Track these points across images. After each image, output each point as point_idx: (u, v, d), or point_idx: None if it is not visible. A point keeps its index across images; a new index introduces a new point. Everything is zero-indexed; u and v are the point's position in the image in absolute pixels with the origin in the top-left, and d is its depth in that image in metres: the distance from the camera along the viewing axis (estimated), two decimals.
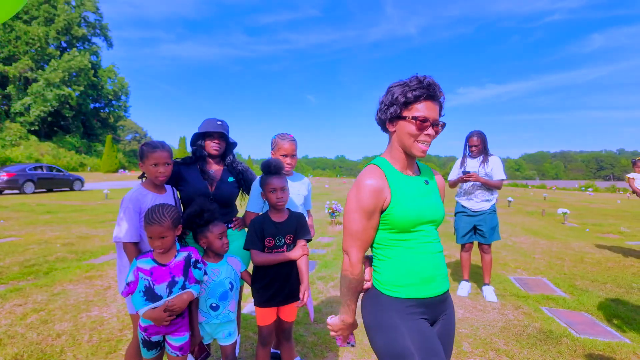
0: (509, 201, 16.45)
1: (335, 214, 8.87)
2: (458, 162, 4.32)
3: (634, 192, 6.41)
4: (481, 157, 4.13)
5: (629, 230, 9.38)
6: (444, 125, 1.42)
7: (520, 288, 4.47)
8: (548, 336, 3.13)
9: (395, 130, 1.44)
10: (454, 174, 4.25)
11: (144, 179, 2.22)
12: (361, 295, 1.53)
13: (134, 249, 2.03)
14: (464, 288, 4.24)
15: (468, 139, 4.22)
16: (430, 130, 1.37)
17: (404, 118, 1.38)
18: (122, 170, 43.17)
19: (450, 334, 1.48)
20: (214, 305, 2.05)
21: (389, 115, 1.41)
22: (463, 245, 4.28)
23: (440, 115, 1.42)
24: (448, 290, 1.48)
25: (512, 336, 3.14)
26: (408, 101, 1.36)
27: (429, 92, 1.35)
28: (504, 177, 4.03)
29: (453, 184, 4.19)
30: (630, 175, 6.81)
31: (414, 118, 1.36)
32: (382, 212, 1.40)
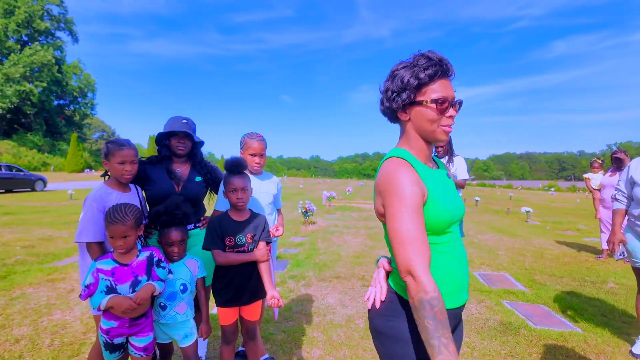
0: (477, 200, 17.02)
1: (309, 213, 8.91)
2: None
3: (590, 191, 6.81)
4: (446, 158, 4.28)
5: (586, 227, 9.92)
6: (461, 102, 1.22)
7: (483, 283, 4.65)
8: (507, 328, 3.29)
9: (410, 119, 1.23)
10: None
11: (106, 178, 2.18)
12: (373, 300, 1.29)
13: (99, 249, 1.99)
14: None
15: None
16: (451, 111, 1.19)
17: (420, 103, 1.18)
18: (88, 170, 41.47)
19: (459, 346, 1.33)
20: (162, 304, 2.03)
21: (401, 102, 1.20)
22: None
23: (454, 90, 1.22)
24: None
25: (473, 329, 3.28)
26: (422, 82, 1.16)
27: (442, 68, 1.17)
28: (467, 177, 4.18)
29: None
30: (587, 175, 7.22)
31: (434, 101, 1.16)
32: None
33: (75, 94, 54.64)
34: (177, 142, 2.34)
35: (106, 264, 1.87)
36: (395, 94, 1.20)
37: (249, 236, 2.14)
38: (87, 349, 2.73)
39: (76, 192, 16.26)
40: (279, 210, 2.69)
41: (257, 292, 2.18)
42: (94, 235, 1.96)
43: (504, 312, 3.66)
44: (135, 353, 1.94)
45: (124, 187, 2.16)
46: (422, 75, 1.15)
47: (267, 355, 2.60)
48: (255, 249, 2.15)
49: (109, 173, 2.17)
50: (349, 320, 3.40)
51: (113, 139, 2.16)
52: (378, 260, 1.39)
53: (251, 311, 2.21)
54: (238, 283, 2.12)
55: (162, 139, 2.37)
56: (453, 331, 1.27)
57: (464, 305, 1.26)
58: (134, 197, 2.19)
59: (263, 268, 2.14)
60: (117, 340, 1.90)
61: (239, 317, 2.22)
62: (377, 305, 1.26)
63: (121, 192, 2.12)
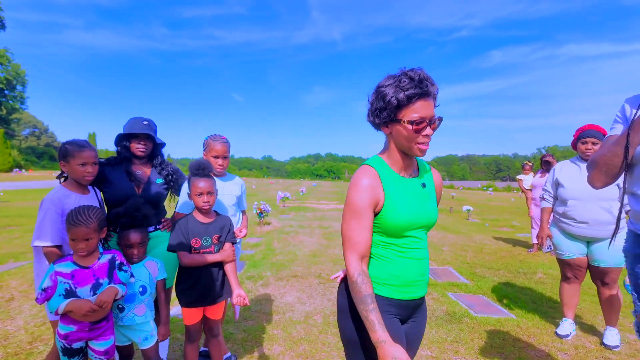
0: None
1: (263, 214, 8.91)
2: None
3: (523, 191, 7.50)
4: None
5: (519, 224, 10.87)
6: (440, 119, 1.31)
7: (430, 277, 4.99)
8: (452, 317, 3.58)
9: (391, 133, 1.35)
10: None
11: (61, 180, 2.12)
12: (340, 278, 1.54)
13: (57, 253, 1.94)
14: None
15: None
16: (427, 131, 1.29)
17: (399, 122, 1.29)
18: (17, 169, 37.91)
19: (418, 337, 1.50)
20: (120, 306, 2.02)
21: (383, 120, 1.32)
22: None
23: (435, 107, 1.32)
24: (424, 296, 1.49)
25: None
26: (401, 103, 1.26)
27: (422, 89, 1.25)
28: None
29: None
30: (520, 177, 7.94)
31: (410, 122, 1.27)
32: (375, 214, 1.34)
33: (1, 85, 49.66)
34: (138, 144, 2.31)
35: (65, 267, 1.83)
36: (378, 110, 1.32)
37: (215, 237, 2.18)
38: (35, 358, 2.60)
39: (5, 194, 14.84)
40: (243, 212, 2.73)
41: (221, 292, 2.22)
42: (52, 238, 1.90)
43: (449, 303, 3.97)
44: (95, 357, 1.91)
45: (83, 189, 2.11)
46: (401, 97, 1.25)
47: (229, 354, 2.64)
48: (221, 250, 2.20)
49: (65, 175, 2.11)
50: (307, 317, 3.52)
51: (70, 140, 2.10)
52: None
53: (215, 311, 2.25)
54: (203, 284, 2.15)
55: (122, 140, 2.32)
56: (405, 320, 1.45)
57: (414, 300, 1.42)
58: (92, 199, 2.15)
59: (229, 268, 2.19)
60: (76, 345, 1.86)
61: (203, 316, 2.24)
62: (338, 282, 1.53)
63: (80, 194, 2.07)
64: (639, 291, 1.59)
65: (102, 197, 2.28)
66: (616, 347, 3.00)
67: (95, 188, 2.23)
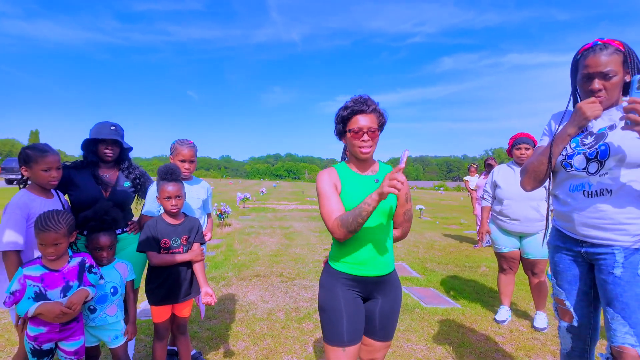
0: None
1: (224, 215, 8.88)
2: None
3: (469, 191, 8.10)
4: None
5: (467, 221, 11.65)
6: (377, 129, 1.69)
7: None
8: (405, 308, 3.88)
9: (345, 142, 1.79)
10: None
11: (21, 185, 2.12)
12: (325, 262, 1.89)
13: (17, 258, 1.95)
14: None
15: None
16: (365, 137, 1.66)
17: (346, 132, 1.71)
18: None
19: (390, 314, 1.77)
20: (91, 307, 2.07)
21: (338, 131, 1.77)
22: None
23: (379, 120, 1.70)
24: (387, 275, 1.74)
25: None
26: (346, 118, 1.69)
27: (356, 107, 1.66)
28: None
29: None
30: (466, 178, 8.56)
31: (349, 130, 1.69)
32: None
33: None
34: (105, 149, 2.34)
35: (34, 270, 1.86)
36: (335, 125, 1.79)
37: (184, 238, 2.27)
38: None
39: None
40: (208, 215, 2.83)
41: (190, 290, 2.32)
42: (14, 243, 1.92)
43: (402, 296, 4.28)
44: (65, 358, 1.95)
45: (47, 193, 2.13)
46: (344, 114, 1.71)
47: (194, 351, 2.74)
48: (190, 250, 2.30)
49: (25, 180, 2.12)
50: (270, 314, 3.67)
51: (31, 144, 2.11)
52: None
53: (183, 308, 2.35)
54: (172, 282, 2.24)
55: (89, 145, 2.35)
56: (367, 297, 1.76)
57: (369, 277, 1.71)
58: (56, 202, 2.17)
59: (197, 267, 2.29)
60: (46, 346, 1.90)
61: (171, 314, 2.33)
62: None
63: (45, 198, 2.09)
64: (557, 277, 1.93)
65: (68, 200, 2.30)
66: (544, 329, 3.43)
67: (58, 191, 2.24)
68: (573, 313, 1.86)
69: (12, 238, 1.92)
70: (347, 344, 1.67)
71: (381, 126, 1.74)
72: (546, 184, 1.91)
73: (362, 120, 1.66)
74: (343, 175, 1.75)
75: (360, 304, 1.75)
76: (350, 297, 1.72)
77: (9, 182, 21.76)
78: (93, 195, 2.28)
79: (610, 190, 1.64)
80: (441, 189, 44.51)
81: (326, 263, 1.85)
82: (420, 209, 12.71)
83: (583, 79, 1.68)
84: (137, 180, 2.51)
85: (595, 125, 1.72)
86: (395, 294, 1.79)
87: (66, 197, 2.31)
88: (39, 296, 1.84)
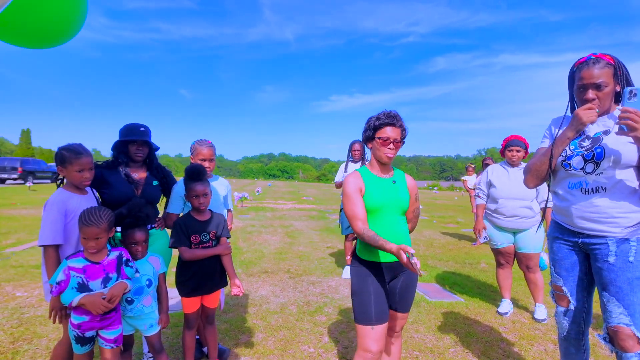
0: None
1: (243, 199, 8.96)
2: (343, 166, 5.09)
3: (467, 190, 8.30)
4: (361, 162, 4.97)
5: (463, 220, 11.87)
6: (401, 141, 2.03)
7: None
8: None
9: (371, 147, 2.07)
10: (340, 176, 5.03)
11: (58, 183, 2.24)
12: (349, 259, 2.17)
13: (56, 253, 2.07)
14: (347, 270, 5.01)
15: (351, 145, 5.03)
16: (391, 146, 1.99)
17: (374, 139, 2.02)
18: None
19: (408, 286, 2.09)
20: (129, 299, 2.19)
21: (366, 137, 2.07)
22: (346, 236, 5.06)
23: (402, 134, 2.02)
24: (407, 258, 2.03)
25: None
26: (377, 127, 2.00)
27: (388, 120, 1.98)
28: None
29: (339, 185, 4.92)
30: (464, 177, 8.77)
31: (379, 138, 1.99)
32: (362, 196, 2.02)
33: None
34: (136, 149, 2.46)
35: (77, 262, 1.98)
36: (365, 131, 2.09)
37: (212, 233, 2.41)
38: (20, 357, 2.64)
39: None
40: (228, 211, 2.96)
41: (218, 282, 2.46)
42: (53, 238, 2.04)
43: None
44: (105, 345, 2.07)
45: (82, 190, 2.24)
46: (376, 123, 2.01)
47: (224, 347, 2.85)
48: (218, 245, 2.43)
49: (61, 178, 2.23)
50: (283, 307, 3.80)
51: (66, 145, 2.19)
52: None
53: (212, 299, 2.48)
54: (202, 275, 2.37)
55: (120, 146, 2.46)
56: (395, 277, 2.07)
57: (390, 262, 2.00)
58: (91, 198, 2.29)
59: (226, 260, 2.43)
60: (89, 334, 2.01)
61: (201, 305, 2.46)
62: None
63: (81, 195, 2.21)
64: (555, 265, 2.12)
65: (100, 198, 2.41)
66: (544, 320, 3.62)
67: (92, 189, 2.36)
68: (570, 298, 2.05)
69: (51, 233, 2.04)
70: (375, 322, 1.96)
71: (403, 139, 2.06)
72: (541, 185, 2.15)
73: (391, 132, 1.98)
74: (366, 179, 2.06)
75: (384, 286, 2.05)
76: (377, 281, 2.02)
77: (1, 181, 21.52)
78: (126, 193, 2.40)
79: (605, 188, 1.83)
80: (435, 188, 44.95)
81: (352, 257, 2.15)
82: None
83: (579, 89, 1.88)
84: (164, 179, 2.63)
85: (591, 130, 1.92)
86: (410, 275, 2.09)
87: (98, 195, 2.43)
88: (82, 286, 1.96)
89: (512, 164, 3.72)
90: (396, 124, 1.99)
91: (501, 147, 3.87)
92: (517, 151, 3.68)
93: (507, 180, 3.68)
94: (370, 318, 1.96)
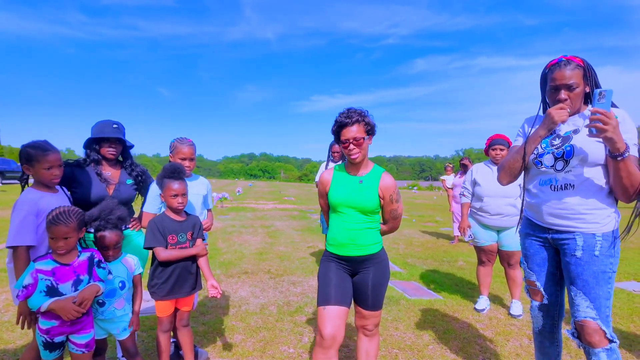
0: None
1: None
2: (323, 166, 5.09)
3: (445, 190, 8.43)
4: (340, 161, 4.98)
5: (442, 219, 12.07)
6: (363, 138, 2.01)
7: None
8: (390, 300, 4.07)
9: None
10: (320, 176, 5.04)
11: (22, 183, 2.14)
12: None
13: (26, 254, 1.98)
14: None
15: (331, 146, 5.02)
16: (351, 146, 2.01)
17: (339, 142, 2.07)
18: None
19: (380, 284, 2.13)
20: (100, 301, 2.11)
21: (336, 142, 2.12)
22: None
23: (365, 128, 2.02)
24: (367, 255, 2.09)
25: None
26: (336, 132, 2.06)
27: (342, 122, 2.00)
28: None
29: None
30: (443, 177, 8.90)
31: (339, 141, 2.07)
32: (326, 193, 2.17)
33: None
34: (109, 147, 2.38)
35: (46, 265, 1.89)
36: (333, 137, 2.14)
37: (189, 234, 2.35)
38: None
39: None
40: (209, 211, 2.89)
41: (194, 284, 2.40)
42: (23, 239, 1.95)
43: (387, 289, 4.47)
44: (76, 350, 1.99)
45: (52, 188, 2.16)
46: (334, 128, 2.08)
47: (201, 350, 2.78)
48: (194, 245, 2.37)
49: (26, 177, 2.14)
50: (262, 308, 3.76)
51: (31, 142, 2.08)
52: None
53: (187, 302, 2.42)
54: (179, 277, 2.31)
55: (92, 144, 2.38)
56: (356, 272, 2.15)
57: (354, 257, 2.09)
58: (62, 197, 2.21)
59: (202, 262, 2.38)
60: (58, 339, 1.93)
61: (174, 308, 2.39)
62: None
63: (52, 194, 2.12)
64: (528, 260, 2.17)
65: (70, 196, 2.32)
66: (519, 315, 3.71)
67: (62, 187, 2.27)
68: (543, 292, 2.10)
69: (21, 234, 1.94)
70: (332, 303, 2.02)
71: (369, 131, 2.05)
72: (520, 180, 2.17)
73: (347, 133, 2.00)
74: (335, 176, 2.16)
75: (347, 276, 2.15)
76: (339, 270, 2.14)
77: None
78: (97, 193, 2.32)
79: (573, 185, 1.89)
80: (415, 188, 45.52)
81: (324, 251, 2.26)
82: None
83: (551, 89, 1.93)
84: (139, 178, 2.55)
85: (562, 129, 1.97)
86: (382, 270, 2.14)
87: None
88: (51, 289, 1.87)
89: (496, 162, 3.78)
90: (350, 123, 1.99)
91: (485, 146, 3.93)
92: (501, 150, 3.73)
93: (492, 179, 3.72)
94: (327, 299, 2.03)
